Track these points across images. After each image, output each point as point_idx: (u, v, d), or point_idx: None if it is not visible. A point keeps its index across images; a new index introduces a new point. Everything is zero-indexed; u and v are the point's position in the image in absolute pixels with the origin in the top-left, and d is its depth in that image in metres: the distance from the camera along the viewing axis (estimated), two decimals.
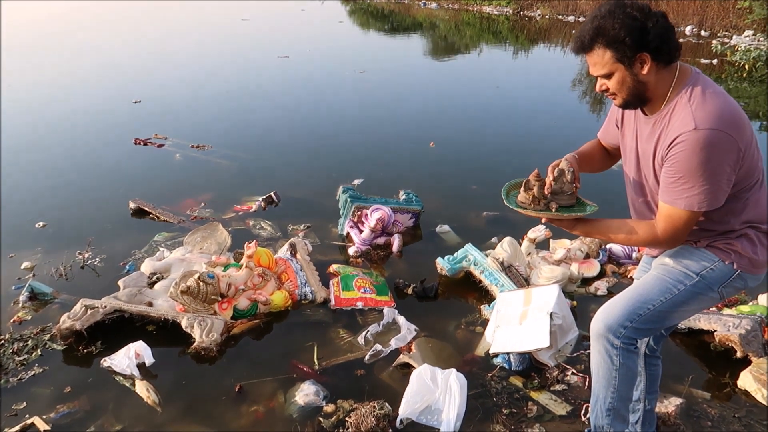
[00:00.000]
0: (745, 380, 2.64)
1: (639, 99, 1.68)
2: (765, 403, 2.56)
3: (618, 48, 1.59)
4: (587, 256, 3.70)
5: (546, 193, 1.83)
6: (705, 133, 1.52)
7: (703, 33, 14.35)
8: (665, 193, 1.64)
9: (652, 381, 2.15)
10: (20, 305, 3.31)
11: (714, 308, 3.25)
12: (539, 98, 8.95)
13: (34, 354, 2.91)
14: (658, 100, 1.67)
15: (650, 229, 1.69)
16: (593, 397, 1.98)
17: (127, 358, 2.77)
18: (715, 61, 11.17)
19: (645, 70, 1.60)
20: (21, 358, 2.87)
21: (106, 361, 2.80)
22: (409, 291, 3.50)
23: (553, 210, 1.80)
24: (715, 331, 2.85)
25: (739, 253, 1.70)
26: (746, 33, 13.37)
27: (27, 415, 2.53)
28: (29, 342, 2.99)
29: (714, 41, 13.19)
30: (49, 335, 3.02)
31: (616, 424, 1.96)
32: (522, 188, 1.87)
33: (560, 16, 18.06)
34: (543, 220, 1.85)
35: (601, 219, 1.82)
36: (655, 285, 1.78)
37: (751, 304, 3.19)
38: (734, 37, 13.45)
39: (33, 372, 2.78)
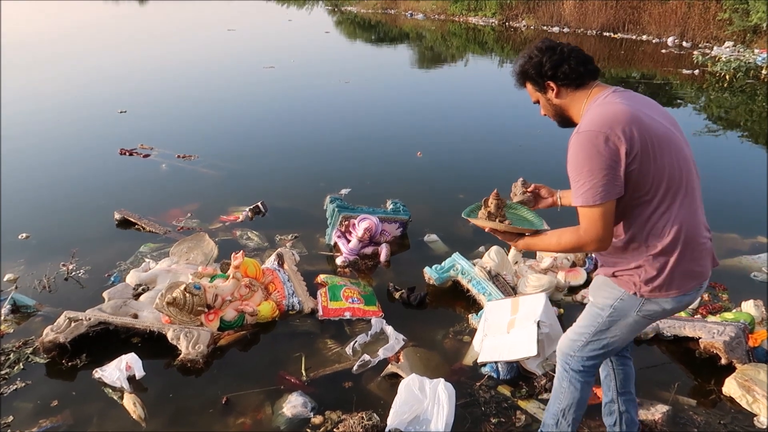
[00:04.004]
0: (730, 387, 2.66)
1: (563, 119, 1.94)
2: (749, 410, 2.58)
3: (531, 80, 1.91)
4: (573, 265, 3.73)
5: (512, 198, 2.13)
6: (581, 134, 1.70)
7: (684, 44, 14.60)
8: (572, 195, 1.76)
9: (622, 381, 2.20)
10: (2, 318, 3.26)
11: (698, 315, 3.29)
12: (525, 107, 9.02)
13: (16, 368, 2.86)
14: (579, 117, 1.86)
15: (575, 232, 1.79)
16: (550, 399, 2.20)
17: (118, 370, 2.74)
18: (696, 72, 11.35)
19: (553, 94, 1.88)
20: (3, 372, 2.82)
21: (97, 373, 2.77)
22: (397, 296, 3.51)
23: (505, 224, 1.96)
24: (699, 338, 2.88)
25: (638, 284, 1.79)
26: (727, 44, 13.63)
27: (9, 430, 2.48)
28: (11, 356, 2.94)
29: (695, 52, 13.43)
30: (31, 348, 2.98)
31: (556, 428, 2.15)
32: (483, 206, 2.06)
33: (545, 27, 18.27)
34: (486, 230, 2.00)
35: (542, 234, 1.95)
36: (584, 318, 2.00)
37: (734, 311, 3.23)
38: (715, 47, 13.70)
39: (15, 386, 2.74)
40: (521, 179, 2.17)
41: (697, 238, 1.78)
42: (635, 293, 1.80)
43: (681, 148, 1.76)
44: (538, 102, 1.97)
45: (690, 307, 3.36)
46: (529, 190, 2.15)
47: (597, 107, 1.76)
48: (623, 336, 1.94)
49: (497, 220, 1.98)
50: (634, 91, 1.85)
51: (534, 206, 2.16)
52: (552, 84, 1.86)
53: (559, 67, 1.82)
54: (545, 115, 1.99)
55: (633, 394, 2.23)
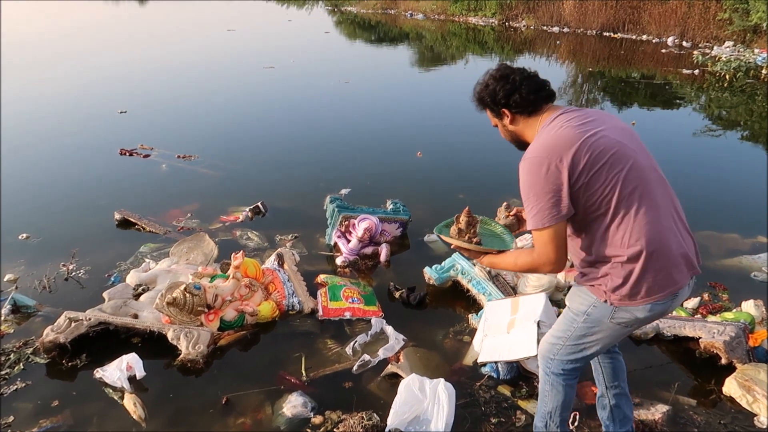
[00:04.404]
0: (730, 386, 2.66)
1: (520, 143, 2.01)
2: (750, 409, 2.58)
3: (488, 107, 1.98)
4: (573, 265, 3.72)
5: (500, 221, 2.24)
6: (526, 161, 1.80)
7: (684, 44, 14.60)
8: (526, 218, 1.86)
9: (610, 375, 2.22)
10: (2, 318, 3.26)
11: (698, 315, 3.29)
12: None
13: (16, 368, 2.86)
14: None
15: (530, 254, 1.88)
16: (537, 402, 2.25)
17: (118, 371, 2.74)
18: (696, 71, 11.35)
19: (508, 121, 1.96)
20: (3, 372, 2.82)
21: (98, 372, 2.77)
22: (397, 295, 3.51)
23: (473, 243, 2.05)
24: (700, 338, 2.88)
25: (608, 292, 1.82)
26: (727, 44, 13.63)
27: (9, 431, 2.48)
28: (11, 356, 2.94)
29: (695, 52, 13.43)
30: (31, 349, 2.98)
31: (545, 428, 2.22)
32: (454, 222, 2.13)
33: (545, 27, 18.28)
34: (452, 246, 2.12)
35: (502, 253, 2.04)
36: (561, 322, 2.04)
37: (735, 311, 3.23)
38: (715, 47, 13.70)
39: (15, 387, 2.74)
40: (505, 204, 2.28)
41: (666, 245, 1.77)
42: (606, 301, 1.84)
43: (634, 159, 1.78)
44: (496, 126, 2.05)
45: (690, 307, 3.36)
46: (511, 214, 2.25)
47: (543, 132, 1.84)
48: (602, 342, 1.98)
49: (467, 236, 2.06)
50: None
51: (519, 229, 2.24)
52: (506, 111, 1.93)
53: (511, 95, 1.89)
54: (505, 138, 2.07)
55: (624, 389, 2.25)
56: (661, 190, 1.82)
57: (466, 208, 2.10)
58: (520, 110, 1.91)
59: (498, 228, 2.22)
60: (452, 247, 2.11)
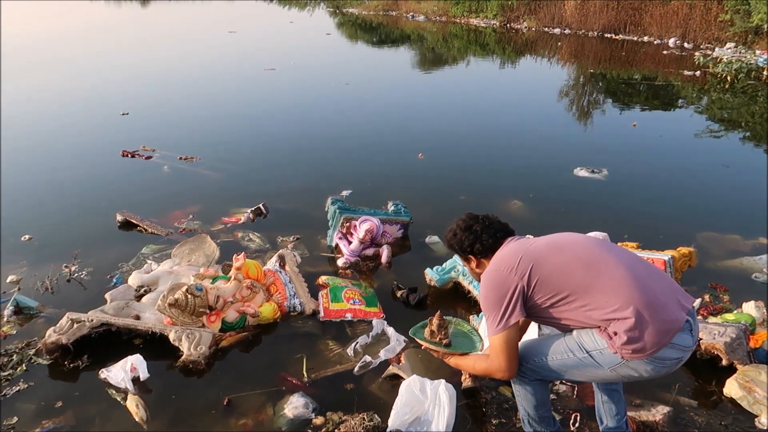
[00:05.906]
0: (731, 388, 2.66)
1: None
2: (750, 411, 2.58)
3: (457, 253, 2.28)
4: None
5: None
6: (483, 277, 2.08)
7: (686, 45, 14.60)
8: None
9: None
10: (5, 319, 3.27)
11: (699, 317, 3.29)
12: (526, 109, 9.03)
13: (19, 369, 2.87)
14: None
15: (486, 360, 2.10)
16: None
17: (123, 371, 2.75)
18: (698, 73, 11.35)
19: (474, 265, 2.24)
20: (5, 374, 2.83)
21: (103, 373, 2.78)
22: (398, 294, 3.53)
23: (443, 344, 2.28)
24: (700, 339, 2.87)
25: (619, 347, 1.88)
26: (728, 45, 13.62)
27: (12, 431, 2.49)
28: (14, 357, 2.95)
29: (697, 53, 13.42)
30: (34, 350, 2.99)
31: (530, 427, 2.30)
32: (428, 324, 2.35)
33: (546, 29, 18.29)
34: (423, 347, 2.36)
35: (466, 355, 2.25)
36: (554, 343, 2.08)
37: (735, 312, 3.23)
38: (716, 49, 13.69)
39: (18, 387, 2.75)
40: (438, 313, 2.39)
41: (648, 288, 1.89)
42: (616, 353, 1.89)
43: (575, 241, 2.07)
44: (467, 266, 2.30)
45: None
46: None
47: (494, 257, 2.11)
48: (587, 379, 2.06)
49: (438, 338, 2.29)
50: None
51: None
52: (471, 257, 2.21)
53: (474, 245, 2.17)
54: (474, 277, 2.29)
55: (617, 385, 2.27)
56: (618, 250, 2.03)
57: (438, 312, 2.35)
58: (483, 255, 2.17)
59: (467, 327, 2.44)
60: (423, 348, 2.34)
